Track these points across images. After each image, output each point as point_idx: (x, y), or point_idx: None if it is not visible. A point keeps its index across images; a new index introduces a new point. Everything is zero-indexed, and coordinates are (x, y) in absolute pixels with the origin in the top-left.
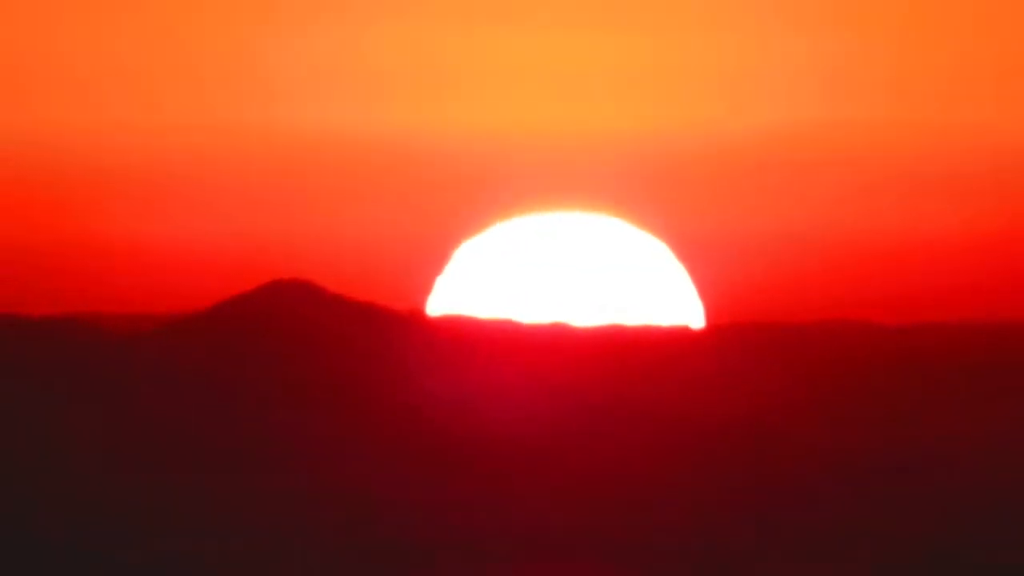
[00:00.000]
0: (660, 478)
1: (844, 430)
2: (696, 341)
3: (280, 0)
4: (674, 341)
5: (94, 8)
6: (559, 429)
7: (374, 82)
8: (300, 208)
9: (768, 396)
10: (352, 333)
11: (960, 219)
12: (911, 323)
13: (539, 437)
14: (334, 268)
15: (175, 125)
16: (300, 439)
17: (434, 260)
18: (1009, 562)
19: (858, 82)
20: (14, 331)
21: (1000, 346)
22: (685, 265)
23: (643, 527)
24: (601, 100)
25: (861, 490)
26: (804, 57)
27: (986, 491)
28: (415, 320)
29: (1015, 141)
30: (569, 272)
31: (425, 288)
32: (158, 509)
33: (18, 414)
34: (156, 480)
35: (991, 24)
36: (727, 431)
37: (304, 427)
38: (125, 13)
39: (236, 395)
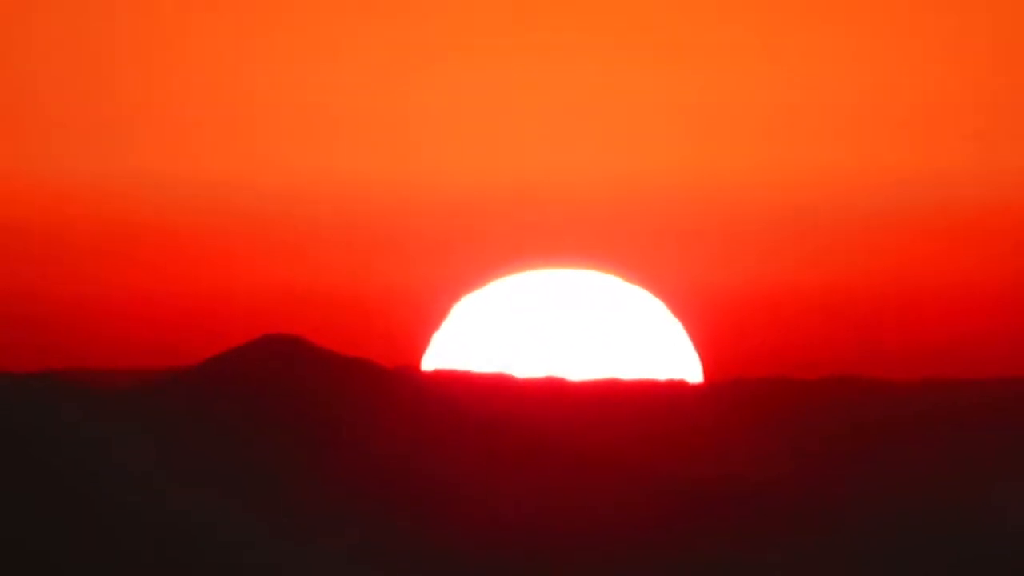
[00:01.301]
0: (656, 534)
1: (844, 487)
2: (693, 396)
3: (275, 45)
4: (671, 395)
5: (82, 50)
6: (552, 483)
7: (372, 132)
8: (299, 262)
9: (767, 452)
10: (342, 389)
11: (965, 272)
12: (915, 379)
13: (532, 491)
14: (330, 324)
15: (160, 174)
16: (289, 495)
17: (431, 316)
18: None
19: (856, 129)
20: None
21: (1001, 404)
22: (682, 321)
23: None
24: (600, 151)
25: (861, 549)
26: (803, 104)
27: (987, 550)
28: (407, 375)
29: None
30: (566, 328)
31: (421, 344)
32: (147, 568)
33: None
34: (148, 535)
35: (996, 68)
36: (725, 487)
37: (293, 483)
38: (101, 56)
39: (225, 451)
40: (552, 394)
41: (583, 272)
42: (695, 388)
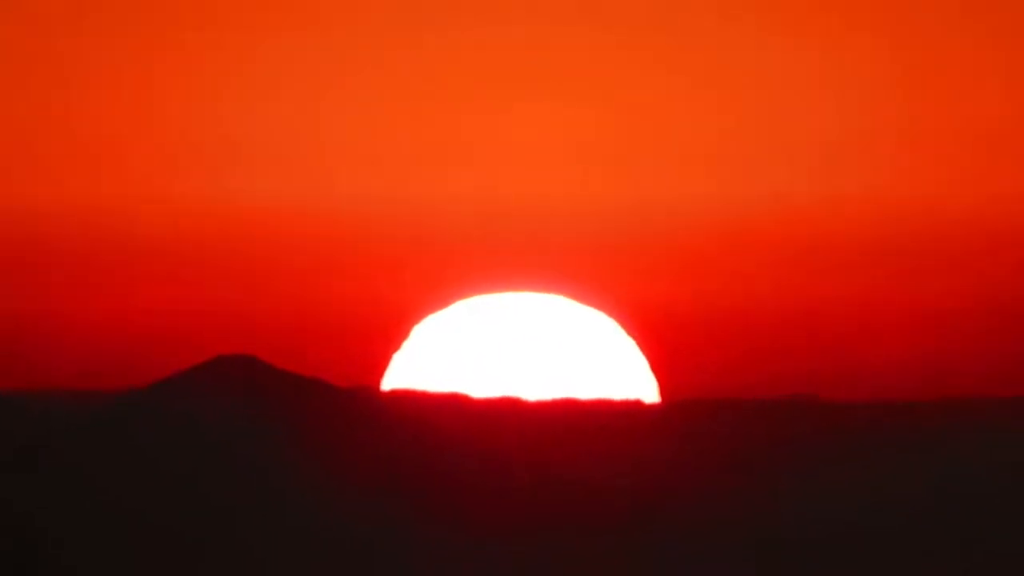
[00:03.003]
0: (613, 552)
1: (800, 508)
2: (649, 416)
3: (233, 71)
4: (627, 415)
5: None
6: (508, 501)
7: (336, 155)
8: (261, 283)
9: (723, 472)
10: (297, 408)
11: (920, 294)
12: (869, 400)
13: (489, 509)
14: (291, 345)
15: (114, 196)
16: (243, 518)
17: (392, 337)
18: None
19: (808, 152)
20: None
21: (954, 423)
22: (639, 342)
23: None
24: (557, 173)
25: (817, 571)
26: (751, 127)
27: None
28: (362, 395)
29: (974, 213)
30: (523, 348)
31: (382, 364)
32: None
33: None
34: (102, 558)
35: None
36: (681, 505)
37: (246, 505)
38: (71, 80)
39: (178, 472)
40: (509, 414)
41: (541, 295)
42: (650, 408)
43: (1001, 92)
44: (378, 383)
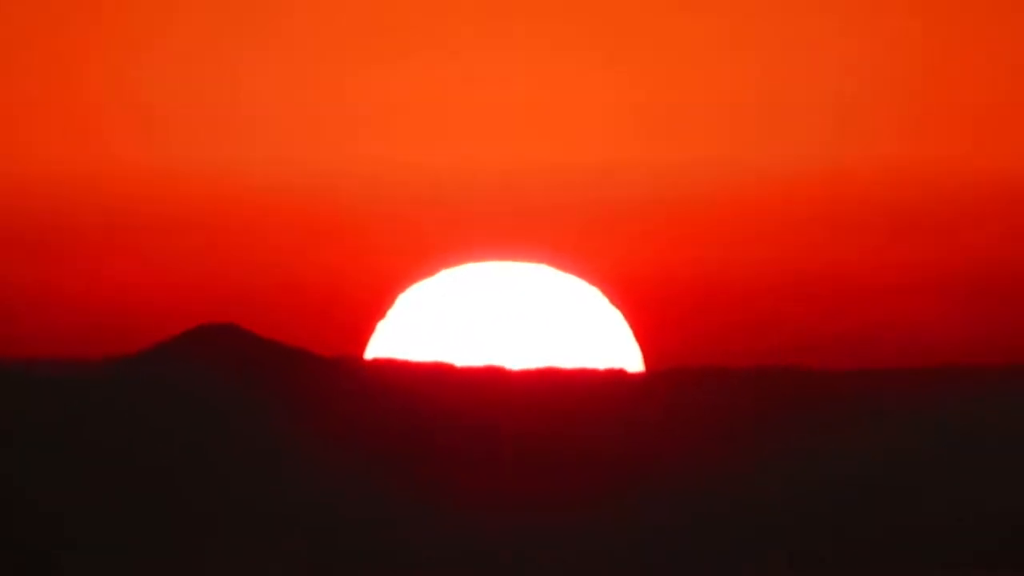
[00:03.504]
0: (597, 520)
1: (783, 475)
2: (633, 384)
3: (217, 34)
4: (610, 384)
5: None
6: (492, 471)
7: (321, 121)
8: (245, 252)
9: (707, 440)
10: (279, 377)
11: (903, 260)
12: (854, 368)
13: (474, 479)
14: (276, 313)
15: (96, 167)
16: (226, 486)
17: (376, 305)
18: None
19: (796, 117)
20: None
21: (938, 393)
22: (622, 310)
23: (583, 570)
24: (543, 140)
25: (801, 540)
26: (740, 90)
27: (933, 535)
28: (344, 364)
29: (986, 178)
30: (507, 317)
31: (366, 333)
32: (84, 553)
33: None
34: (85, 526)
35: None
36: (665, 474)
37: (229, 473)
38: (51, 48)
39: (161, 439)
40: (493, 383)
41: (525, 264)
42: (634, 376)
43: (1012, 58)
44: (362, 352)
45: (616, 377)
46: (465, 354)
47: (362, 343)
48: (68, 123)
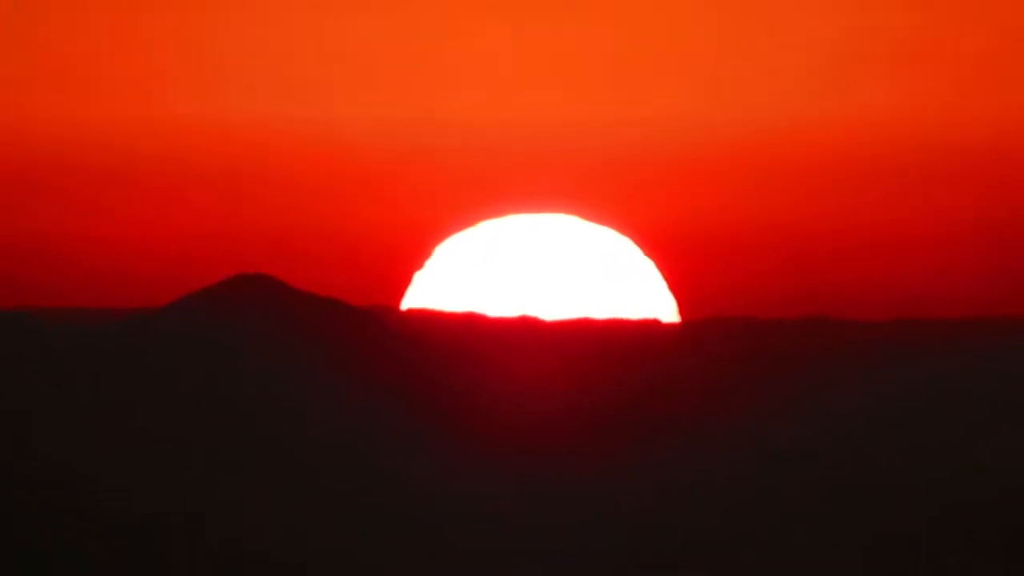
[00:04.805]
0: (630, 469)
1: (817, 426)
2: (666, 334)
3: None
4: (644, 334)
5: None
6: (525, 421)
7: (361, 76)
8: (284, 203)
9: (742, 391)
10: (311, 326)
11: (937, 213)
12: (888, 319)
13: (504, 426)
14: (315, 263)
15: (139, 118)
16: (264, 432)
17: (414, 256)
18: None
19: (827, 74)
20: None
21: (977, 343)
22: (656, 261)
23: (614, 519)
24: (571, 93)
25: (837, 486)
26: (773, 48)
27: (964, 492)
28: (378, 314)
29: (996, 136)
30: (542, 269)
31: (403, 284)
32: (123, 502)
33: None
34: (125, 473)
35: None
36: (700, 424)
37: (266, 421)
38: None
39: (199, 388)
40: (525, 333)
41: (560, 216)
42: (668, 327)
43: (1003, 8)
44: (398, 302)
45: (650, 327)
46: (500, 305)
47: (399, 293)
48: (131, 76)
